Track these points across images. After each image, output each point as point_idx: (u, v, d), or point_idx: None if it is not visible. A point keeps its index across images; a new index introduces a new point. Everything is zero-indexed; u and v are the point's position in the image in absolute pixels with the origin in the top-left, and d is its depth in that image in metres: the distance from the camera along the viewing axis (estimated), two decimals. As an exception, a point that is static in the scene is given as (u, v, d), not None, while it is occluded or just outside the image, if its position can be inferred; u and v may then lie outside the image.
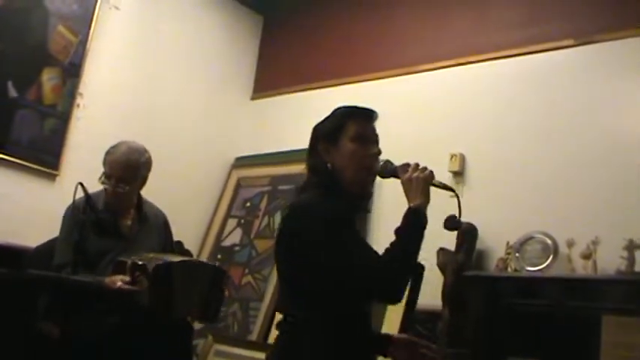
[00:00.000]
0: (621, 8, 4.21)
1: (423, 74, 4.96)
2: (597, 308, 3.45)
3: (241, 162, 5.78)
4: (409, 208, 2.15)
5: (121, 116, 4.93)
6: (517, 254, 3.99)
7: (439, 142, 4.61)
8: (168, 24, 5.41)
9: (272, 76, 6.00)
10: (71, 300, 3.15)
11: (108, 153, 3.34)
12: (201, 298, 3.33)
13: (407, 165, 2.23)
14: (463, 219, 4.16)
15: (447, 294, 4.04)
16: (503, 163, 4.36)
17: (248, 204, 5.54)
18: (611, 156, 3.97)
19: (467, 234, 4.12)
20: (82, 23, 4.72)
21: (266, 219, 5.35)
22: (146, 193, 3.51)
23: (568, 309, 3.57)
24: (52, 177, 4.51)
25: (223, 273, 3.56)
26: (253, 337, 4.79)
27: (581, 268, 3.79)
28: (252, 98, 6.05)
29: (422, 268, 4.04)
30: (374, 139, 2.30)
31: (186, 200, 5.22)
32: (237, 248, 5.38)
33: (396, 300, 2.15)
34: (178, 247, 3.82)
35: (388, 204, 4.28)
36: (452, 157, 4.51)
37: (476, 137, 4.53)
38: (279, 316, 2.27)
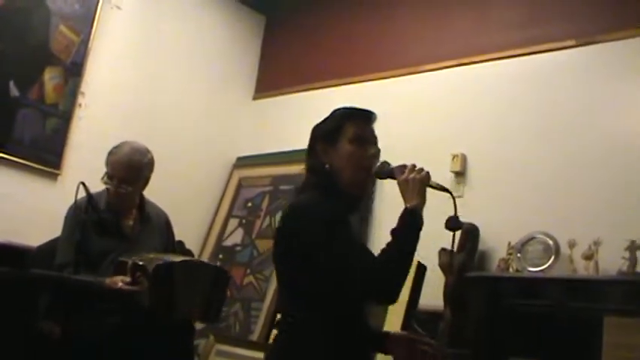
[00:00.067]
0: (622, 9, 4.21)
1: (424, 74, 4.96)
2: (599, 309, 3.44)
3: (243, 162, 5.78)
4: (405, 209, 2.15)
5: (122, 116, 4.94)
6: (519, 255, 3.99)
7: (440, 142, 4.61)
8: (170, 23, 5.41)
9: (274, 76, 6.00)
10: (72, 300, 3.15)
11: (110, 153, 3.33)
12: (202, 299, 3.33)
13: (404, 166, 2.23)
14: (465, 219, 4.18)
15: (448, 294, 4.04)
16: (505, 164, 4.36)
17: (249, 204, 5.54)
18: (613, 156, 3.97)
19: (469, 234, 4.12)
20: (84, 23, 4.72)
21: (267, 219, 5.35)
22: (147, 192, 3.50)
23: (569, 310, 3.57)
24: (53, 176, 4.51)
25: (226, 274, 3.56)
26: (255, 337, 4.79)
27: (583, 269, 3.79)
28: (254, 98, 6.05)
29: (424, 268, 4.05)
30: (372, 140, 2.31)
31: (187, 200, 5.22)
32: (238, 248, 5.38)
33: (391, 301, 2.15)
34: (180, 247, 3.83)
35: (388, 204, 4.28)
36: (453, 157, 4.51)
37: (477, 137, 4.52)
38: (279, 317, 2.28)
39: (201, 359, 4.85)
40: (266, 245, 5.16)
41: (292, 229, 2.19)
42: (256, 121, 5.88)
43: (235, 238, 5.45)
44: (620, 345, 3.30)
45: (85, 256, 3.16)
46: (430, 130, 4.75)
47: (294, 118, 5.40)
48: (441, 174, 4.44)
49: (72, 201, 3.25)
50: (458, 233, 4.03)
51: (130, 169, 3.30)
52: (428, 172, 2.21)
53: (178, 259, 3.27)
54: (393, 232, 2.13)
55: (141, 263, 3.07)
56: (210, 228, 5.61)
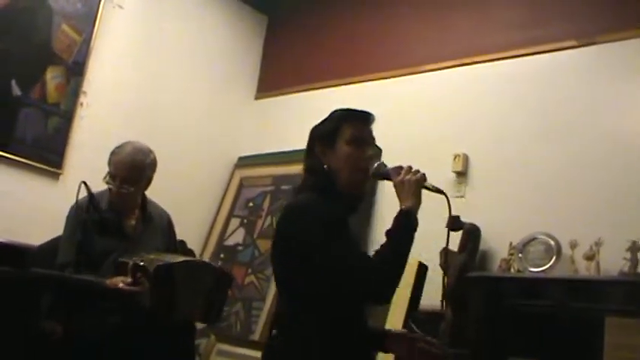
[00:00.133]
0: (624, 9, 4.21)
1: (426, 74, 4.96)
2: (600, 309, 3.44)
3: (244, 162, 5.78)
4: (400, 210, 2.17)
5: (124, 115, 4.94)
6: (520, 255, 3.99)
7: (442, 143, 4.61)
8: (172, 23, 5.41)
9: (276, 76, 6.00)
10: (74, 299, 3.15)
11: (113, 153, 3.33)
12: (203, 299, 3.32)
13: (400, 167, 2.25)
14: (466, 219, 4.20)
15: (449, 294, 4.03)
16: (507, 164, 4.36)
17: (251, 204, 5.54)
18: (615, 157, 3.97)
19: (470, 234, 4.12)
20: (86, 22, 4.73)
21: (269, 219, 5.35)
22: (149, 192, 3.50)
23: (571, 310, 3.56)
24: (55, 176, 4.51)
25: (228, 276, 3.55)
26: (256, 336, 4.79)
27: (584, 269, 3.79)
28: (256, 98, 6.05)
29: (425, 268, 4.05)
30: (370, 141, 2.33)
31: (189, 199, 5.22)
32: (240, 248, 5.38)
33: (385, 301, 2.17)
34: (181, 247, 3.82)
35: (390, 205, 4.27)
36: (455, 157, 4.51)
37: (479, 138, 4.52)
38: (277, 317, 2.29)
39: (203, 359, 4.85)
40: (267, 245, 5.16)
41: (290, 230, 2.20)
42: (258, 120, 5.88)
43: (237, 237, 5.45)
44: (621, 345, 3.29)
45: (87, 256, 3.16)
46: (432, 130, 4.75)
47: (296, 118, 5.39)
48: (443, 174, 4.45)
49: (73, 200, 3.24)
50: (454, 233, 4.08)
51: (133, 169, 3.29)
52: (423, 174, 2.23)
53: (179, 259, 3.26)
54: (388, 233, 2.15)
55: (141, 264, 3.07)
56: (212, 228, 5.61)
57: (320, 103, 5.02)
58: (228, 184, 5.75)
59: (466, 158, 4.51)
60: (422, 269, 4.08)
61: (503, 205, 4.26)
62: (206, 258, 5.31)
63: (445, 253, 2.31)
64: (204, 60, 5.68)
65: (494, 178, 4.39)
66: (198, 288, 3.29)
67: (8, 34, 4.32)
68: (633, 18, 4.13)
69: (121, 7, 4.98)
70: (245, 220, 5.49)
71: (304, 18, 5.97)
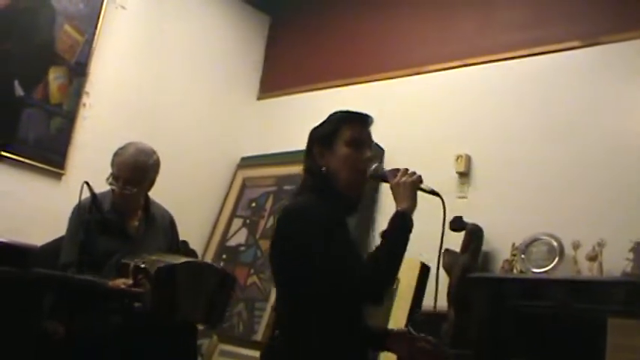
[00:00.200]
0: (627, 10, 4.20)
1: (429, 75, 4.96)
2: (603, 310, 3.43)
3: (247, 162, 5.78)
4: (396, 212, 2.20)
5: (126, 115, 4.94)
6: (523, 256, 3.99)
7: (445, 143, 4.61)
8: (175, 23, 5.41)
9: (278, 76, 6.00)
10: (76, 299, 3.15)
11: (116, 154, 3.33)
12: (206, 301, 3.31)
13: (396, 170, 2.27)
14: (469, 220, 4.19)
15: (452, 295, 4.03)
16: (510, 164, 4.35)
17: (253, 204, 5.54)
18: (617, 157, 3.96)
19: (472, 235, 4.11)
20: (89, 22, 4.73)
21: (271, 219, 5.34)
22: (151, 192, 3.50)
23: (573, 311, 3.56)
24: (57, 176, 4.51)
25: (232, 278, 3.54)
26: (258, 337, 4.79)
27: (587, 270, 3.79)
28: (258, 98, 6.05)
29: (427, 268, 4.05)
30: (368, 143, 2.35)
31: (191, 200, 5.22)
32: (242, 248, 5.38)
33: (378, 302, 2.20)
34: (184, 247, 3.82)
35: (391, 206, 4.27)
36: (458, 157, 4.50)
37: (482, 138, 4.52)
38: (276, 317, 2.30)
39: (205, 359, 4.85)
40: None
41: (288, 231, 2.23)
42: (260, 121, 5.88)
43: (239, 238, 5.45)
44: (624, 346, 3.29)
45: (90, 257, 3.16)
46: (434, 131, 4.75)
47: (299, 119, 5.38)
48: (446, 174, 4.45)
49: (76, 201, 3.25)
50: (457, 234, 4.07)
51: (136, 170, 3.29)
52: (419, 176, 2.25)
53: (181, 260, 3.26)
54: (383, 234, 2.18)
55: (143, 266, 3.07)
56: (214, 228, 5.61)
57: (322, 103, 5.02)
58: (231, 185, 5.75)
59: (469, 159, 4.50)
60: (424, 270, 4.08)
61: (506, 206, 4.25)
62: (208, 258, 5.31)
63: (439, 254, 2.32)
64: (207, 60, 5.68)
65: (497, 178, 4.39)
66: (200, 289, 3.28)
67: (10, 34, 4.32)
68: (637, 18, 4.12)
69: (123, 7, 4.98)
70: (247, 221, 5.49)
71: (307, 18, 5.96)
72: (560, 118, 4.24)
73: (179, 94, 5.40)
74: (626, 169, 3.90)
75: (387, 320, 4.04)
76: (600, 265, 3.73)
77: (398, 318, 4.04)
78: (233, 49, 5.91)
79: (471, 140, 4.55)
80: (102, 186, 3.32)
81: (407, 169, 2.25)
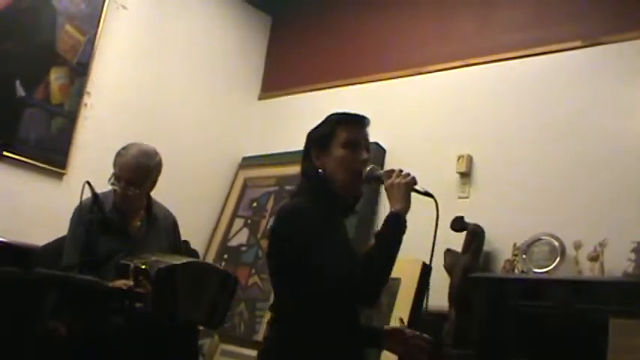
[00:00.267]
0: (629, 10, 4.20)
1: (430, 75, 4.96)
2: (604, 311, 3.43)
3: (248, 162, 5.78)
4: (390, 213, 2.21)
5: (128, 115, 4.94)
6: (524, 256, 3.98)
7: (446, 143, 4.61)
8: (176, 23, 5.42)
9: (279, 76, 6.00)
10: (78, 299, 3.15)
11: (118, 155, 3.32)
12: (207, 302, 3.29)
13: (391, 171, 2.29)
14: (470, 220, 4.19)
15: (453, 295, 4.03)
16: (511, 165, 4.35)
17: (255, 204, 5.54)
18: (619, 157, 3.96)
19: (474, 235, 4.11)
20: (90, 22, 4.73)
21: (272, 219, 5.33)
22: (152, 192, 3.50)
23: (575, 311, 3.56)
24: (59, 176, 4.52)
25: (234, 279, 3.53)
26: (259, 337, 4.78)
27: (588, 270, 3.78)
28: (260, 98, 6.05)
29: (429, 269, 4.04)
30: (365, 144, 2.36)
31: (192, 200, 5.22)
32: (243, 248, 5.38)
33: (372, 302, 2.25)
34: (185, 247, 3.81)
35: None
36: (459, 158, 4.50)
37: (483, 138, 4.52)
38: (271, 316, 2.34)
39: (206, 359, 4.85)
40: (270, 245, 5.15)
41: (283, 232, 2.26)
42: (262, 121, 5.89)
43: (240, 238, 5.45)
44: (625, 347, 3.28)
45: (92, 257, 3.16)
46: (435, 131, 4.75)
47: (300, 119, 5.37)
48: (447, 175, 4.46)
49: (77, 200, 3.24)
50: (458, 234, 4.08)
51: (138, 171, 3.29)
52: (413, 177, 2.26)
53: (181, 261, 3.24)
54: (377, 235, 2.20)
55: (143, 267, 3.06)
56: (216, 228, 5.61)
57: (324, 103, 5.03)
58: (232, 185, 5.75)
59: (470, 159, 4.50)
60: (426, 270, 4.07)
61: (508, 206, 4.25)
62: (210, 259, 5.31)
63: (431, 254, 2.33)
64: (208, 60, 5.68)
65: (499, 178, 4.39)
66: (202, 290, 3.26)
67: (11, 34, 4.32)
68: (637, 19, 4.12)
69: (124, 7, 4.99)
70: (249, 221, 5.49)
71: (308, 18, 5.97)
72: (561, 118, 4.24)
73: (180, 93, 5.40)
74: (628, 169, 3.90)
75: (389, 321, 4.03)
76: (602, 265, 3.72)
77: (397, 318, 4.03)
78: (234, 49, 5.91)
79: (473, 140, 4.54)
80: (103, 186, 3.31)
81: (401, 170, 2.27)
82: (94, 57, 4.75)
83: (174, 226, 3.58)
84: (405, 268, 3.77)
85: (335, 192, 2.29)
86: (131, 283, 3.04)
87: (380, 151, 4.74)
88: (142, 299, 3.02)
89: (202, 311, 3.29)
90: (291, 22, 6.11)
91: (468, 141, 4.56)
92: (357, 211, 2.45)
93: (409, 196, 2.23)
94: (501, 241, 4.17)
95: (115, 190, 3.30)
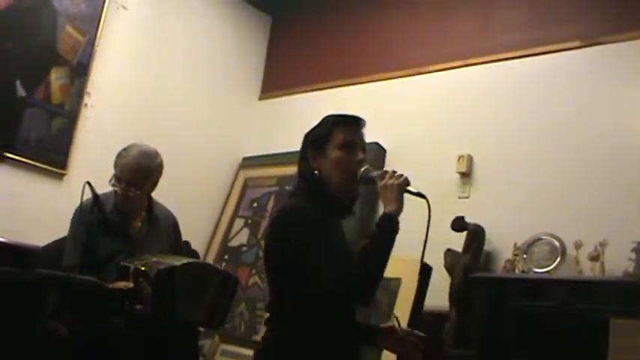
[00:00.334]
0: (628, 10, 4.20)
1: (430, 75, 4.96)
2: (605, 310, 3.43)
3: (249, 162, 5.78)
4: (383, 214, 2.23)
5: (128, 115, 4.94)
6: (524, 256, 3.99)
7: (446, 143, 4.61)
8: (176, 23, 5.42)
9: (280, 76, 6.00)
10: (78, 300, 3.15)
11: (119, 156, 3.31)
12: (207, 303, 3.28)
13: (385, 172, 2.30)
14: (470, 220, 4.19)
15: (454, 295, 4.03)
16: (511, 165, 4.35)
17: (255, 204, 5.54)
18: (619, 157, 3.96)
19: (474, 235, 4.11)
20: (90, 23, 4.73)
21: (269, 219, 5.34)
22: (153, 193, 3.50)
23: (575, 311, 3.56)
24: (59, 176, 4.52)
25: (234, 280, 3.52)
26: (260, 337, 4.76)
27: (589, 270, 3.78)
28: (260, 98, 6.06)
29: (429, 269, 4.04)
30: (361, 145, 2.38)
31: (193, 200, 5.21)
32: (244, 248, 5.38)
33: (365, 301, 2.27)
34: (186, 248, 3.81)
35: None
36: (459, 158, 4.50)
37: (483, 138, 4.52)
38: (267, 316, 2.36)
39: (207, 359, 4.85)
40: (271, 246, 5.15)
41: (280, 232, 2.28)
42: (262, 121, 5.89)
43: (241, 238, 5.45)
44: (626, 347, 3.29)
45: (93, 257, 3.16)
46: (436, 131, 4.75)
47: (300, 119, 5.31)
48: (447, 175, 4.46)
49: (78, 201, 3.24)
50: (459, 233, 4.08)
51: (139, 172, 3.28)
52: (406, 178, 2.27)
53: (181, 262, 3.23)
54: (369, 236, 2.22)
55: (143, 269, 3.06)
56: (216, 228, 5.61)
57: (324, 103, 5.04)
58: (233, 185, 5.75)
59: (470, 159, 4.50)
60: (426, 270, 4.07)
61: (508, 206, 4.25)
62: (210, 259, 5.31)
63: (422, 255, 2.33)
64: (209, 60, 5.68)
65: (499, 178, 4.39)
66: (202, 291, 3.25)
67: (12, 34, 4.33)
68: (637, 19, 4.13)
69: (124, 7, 4.99)
70: (249, 221, 5.49)
71: (308, 18, 5.97)
72: (561, 118, 4.24)
73: (180, 93, 5.40)
74: (628, 169, 3.90)
75: (389, 321, 4.03)
76: (602, 265, 3.72)
77: (400, 319, 4.03)
78: (234, 49, 5.91)
79: (473, 140, 4.55)
80: (104, 186, 3.31)
81: (394, 171, 2.28)
82: (95, 57, 4.75)
83: (175, 226, 3.58)
84: (405, 268, 3.77)
85: (331, 193, 2.31)
86: (131, 284, 3.04)
87: (380, 151, 4.74)
88: (142, 300, 3.02)
89: (202, 312, 3.28)
90: (291, 22, 6.11)
91: (468, 141, 4.56)
92: (354, 212, 2.46)
93: (402, 197, 2.24)
94: (502, 241, 4.17)
95: (115, 191, 3.30)
